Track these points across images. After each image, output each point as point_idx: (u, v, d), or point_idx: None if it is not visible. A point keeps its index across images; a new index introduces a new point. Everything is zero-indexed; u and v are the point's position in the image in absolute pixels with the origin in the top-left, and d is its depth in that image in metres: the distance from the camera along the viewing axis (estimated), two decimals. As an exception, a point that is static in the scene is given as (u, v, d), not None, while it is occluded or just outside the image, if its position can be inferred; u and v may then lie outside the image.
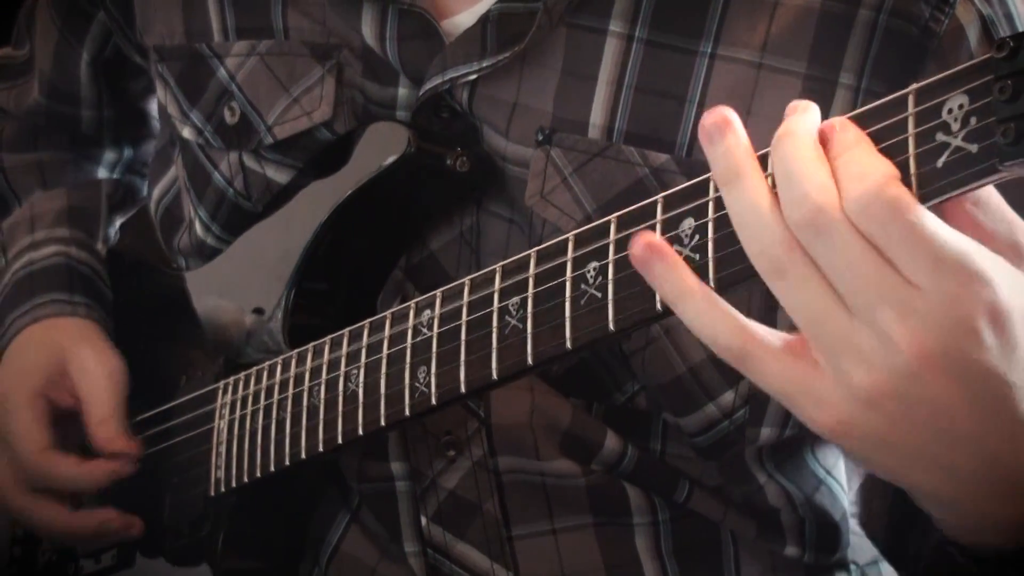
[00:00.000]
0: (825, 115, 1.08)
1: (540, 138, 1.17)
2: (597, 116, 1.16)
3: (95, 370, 1.37)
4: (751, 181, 0.83)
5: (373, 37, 1.23)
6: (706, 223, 0.88)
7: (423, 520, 1.26)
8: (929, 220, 0.78)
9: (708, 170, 0.87)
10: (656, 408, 1.23)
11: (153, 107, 1.61)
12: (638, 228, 0.92)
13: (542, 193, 1.17)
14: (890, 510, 1.03)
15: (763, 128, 1.12)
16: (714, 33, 1.13)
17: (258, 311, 1.28)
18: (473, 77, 1.18)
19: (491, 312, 1.02)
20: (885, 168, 0.79)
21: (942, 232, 0.78)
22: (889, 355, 0.79)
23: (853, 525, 1.34)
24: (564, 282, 0.97)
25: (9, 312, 1.45)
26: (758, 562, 1.28)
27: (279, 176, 1.30)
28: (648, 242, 0.86)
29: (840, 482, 1.32)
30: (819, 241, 0.80)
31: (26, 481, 1.38)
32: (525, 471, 1.24)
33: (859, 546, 1.35)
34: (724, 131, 0.83)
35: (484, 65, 1.17)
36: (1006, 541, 0.87)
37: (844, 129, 0.82)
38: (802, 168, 0.80)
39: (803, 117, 0.83)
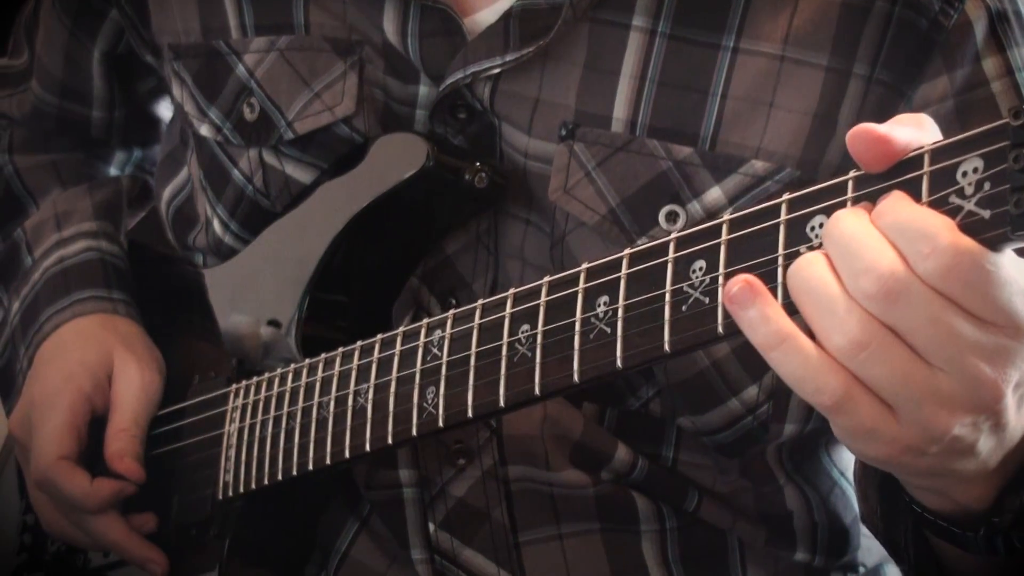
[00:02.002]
0: (838, 107, 1.10)
1: (563, 133, 1.17)
2: (620, 110, 1.16)
3: (134, 380, 1.35)
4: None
5: (394, 33, 1.23)
6: (717, 272, 0.87)
7: (431, 527, 1.26)
8: (1001, 261, 0.78)
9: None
10: (671, 413, 1.23)
11: (162, 110, 1.60)
12: (650, 263, 0.92)
13: (565, 187, 1.17)
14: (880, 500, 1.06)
15: (785, 121, 1.12)
16: (736, 27, 1.14)
17: (274, 323, 1.28)
18: (496, 72, 1.18)
19: (501, 338, 1.02)
20: (943, 222, 0.78)
21: (1012, 271, 0.78)
22: (975, 396, 0.81)
23: (863, 528, 1.34)
24: (574, 314, 0.96)
25: (45, 308, 1.43)
26: (763, 567, 1.29)
27: (298, 174, 1.30)
28: (749, 281, 0.83)
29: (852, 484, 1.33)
30: (896, 307, 0.79)
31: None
32: (534, 480, 1.24)
33: (867, 548, 1.35)
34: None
35: (507, 59, 1.17)
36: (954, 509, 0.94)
37: (884, 195, 0.81)
38: (859, 241, 0.80)
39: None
